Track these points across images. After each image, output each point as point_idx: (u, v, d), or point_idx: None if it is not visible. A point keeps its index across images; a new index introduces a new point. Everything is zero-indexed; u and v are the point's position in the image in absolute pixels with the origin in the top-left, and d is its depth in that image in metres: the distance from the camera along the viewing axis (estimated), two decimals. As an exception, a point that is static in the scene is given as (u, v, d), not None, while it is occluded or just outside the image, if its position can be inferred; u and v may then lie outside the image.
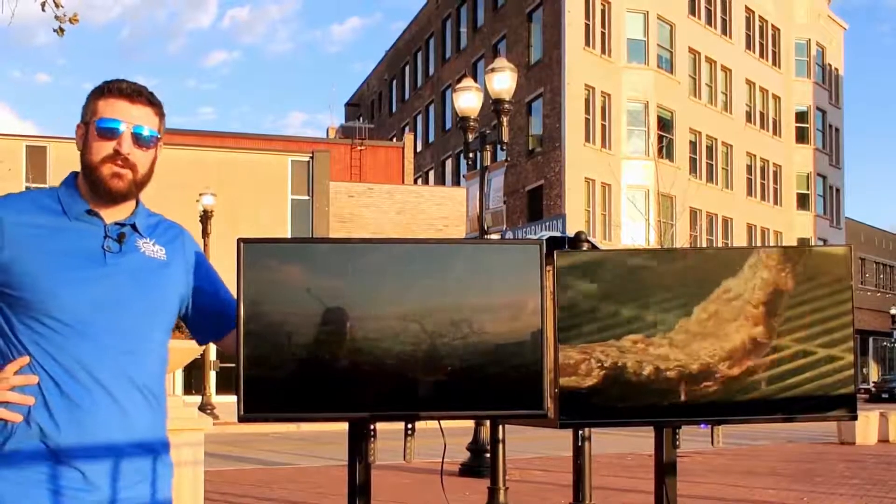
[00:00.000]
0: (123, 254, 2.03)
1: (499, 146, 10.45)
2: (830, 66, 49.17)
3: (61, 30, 7.68)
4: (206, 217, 22.06)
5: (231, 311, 2.22)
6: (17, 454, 1.88)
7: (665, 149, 35.43)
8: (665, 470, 2.46)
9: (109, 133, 2.01)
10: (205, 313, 2.23)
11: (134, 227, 2.08)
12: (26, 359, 1.91)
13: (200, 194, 22.43)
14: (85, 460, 1.90)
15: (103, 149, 2.01)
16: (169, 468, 2.10)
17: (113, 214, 2.05)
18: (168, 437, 2.12)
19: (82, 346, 1.93)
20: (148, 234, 2.11)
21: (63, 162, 25.44)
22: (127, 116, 2.02)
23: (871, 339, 55.69)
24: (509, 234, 25.84)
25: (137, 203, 2.11)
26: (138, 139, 2.02)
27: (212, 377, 23.65)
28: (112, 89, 2.05)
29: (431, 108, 46.43)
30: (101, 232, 2.02)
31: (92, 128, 2.02)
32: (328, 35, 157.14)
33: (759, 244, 40.26)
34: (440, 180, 44.04)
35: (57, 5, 7.58)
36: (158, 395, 2.08)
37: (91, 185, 2.03)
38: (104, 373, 1.94)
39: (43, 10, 7.52)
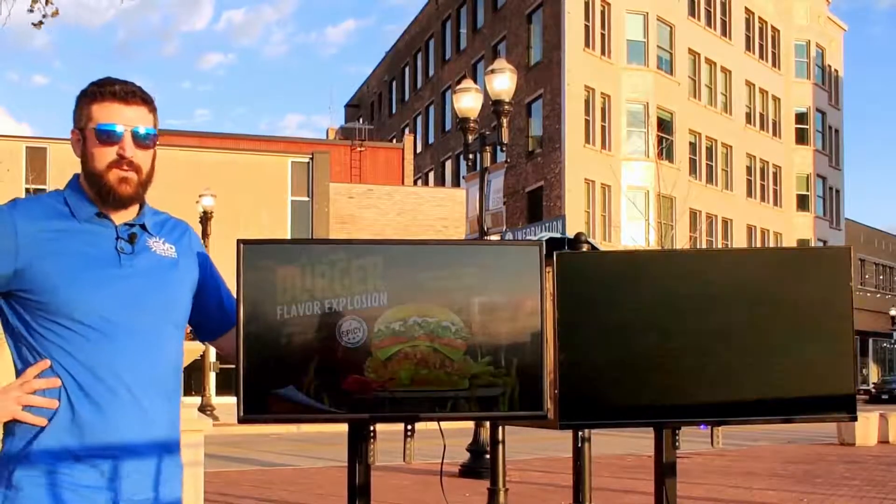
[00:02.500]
0: (137, 254, 2.04)
1: (498, 147, 10.45)
2: (830, 67, 49.18)
3: (40, 23, 7.68)
4: (205, 218, 22.06)
5: (232, 309, 2.24)
6: (41, 454, 1.90)
7: (665, 150, 35.42)
8: (665, 471, 2.46)
9: (110, 138, 2.00)
10: (208, 311, 2.24)
11: (143, 227, 2.09)
12: (47, 362, 1.93)
13: (200, 195, 22.43)
14: (108, 460, 1.93)
15: (106, 155, 2.01)
16: (181, 468, 2.13)
17: (122, 216, 2.07)
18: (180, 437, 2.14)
19: (105, 347, 1.94)
20: (157, 233, 2.12)
21: (63, 163, 25.46)
22: (123, 119, 2.01)
23: (870, 341, 55.68)
24: (509, 236, 25.85)
25: (143, 203, 2.12)
26: (138, 140, 2.03)
27: (212, 378, 23.65)
28: (105, 93, 2.03)
29: (431, 110, 46.42)
30: (112, 233, 2.04)
31: (90, 134, 2.02)
32: (323, 37, 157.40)
33: (758, 245, 40.28)
34: (440, 181, 44.03)
35: (48, 2, 7.58)
36: (175, 394, 2.11)
37: (98, 192, 2.03)
38: (127, 373, 1.96)
39: (31, 10, 7.52)
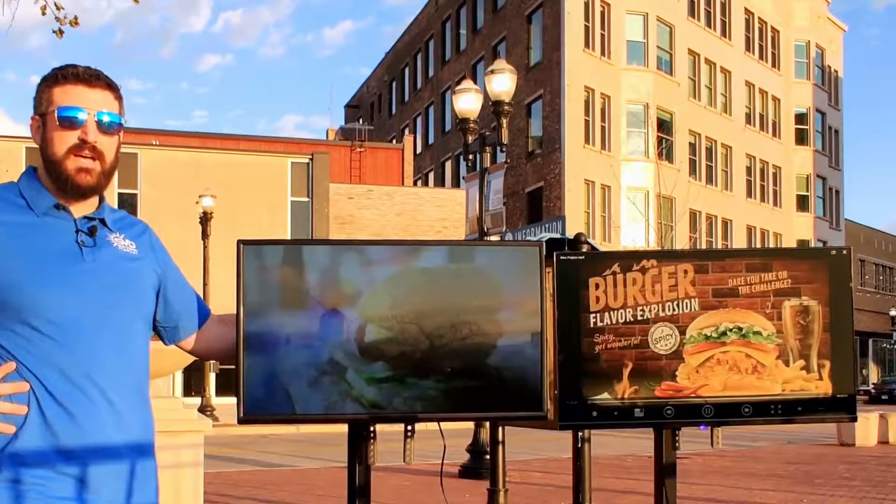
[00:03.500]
0: (98, 248, 1.93)
1: (498, 148, 10.44)
2: (830, 67, 49.18)
3: (60, 31, 7.67)
4: (205, 219, 22.07)
5: (197, 311, 2.18)
6: (12, 463, 1.79)
7: (665, 150, 35.42)
8: (665, 471, 2.46)
9: (71, 122, 1.89)
10: (172, 311, 2.14)
11: (103, 221, 1.99)
12: (12, 365, 1.81)
13: (200, 196, 22.44)
14: (83, 467, 1.83)
15: (67, 139, 1.89)
16: (156, 470, 2.03)
17: (80, 209, 1.95)
18: (154, 438, 2.04)
19: (73, 346, 1.83)
20: (116, 229, 2.01)
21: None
22: (88, 102, 1.90)
23: (870, 341, 55.66)
24: (509, 236, 25.84)
25: (102, 198, 2.02)
26: (102, 125, 1.92)
27: (211, 379, 23.64)
28: (67, 75, 1.92)
29: (431, 110, 46.42)
30: (71, 227, 1.92)
31: (51, 118, 1.90)
32: (320, 38, 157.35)
33: (758, 246, 40.29)
34: (440, 182, 44.03)
35: (59, 7, 7.59)
36: (147, 393, 2.01)
37: (56, 181, 1.91)
38: (98, 373, 1.86)
39: (43, 13, 7.52)
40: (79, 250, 1.90)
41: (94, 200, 1.99)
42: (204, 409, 20.29)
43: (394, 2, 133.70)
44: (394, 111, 52.48)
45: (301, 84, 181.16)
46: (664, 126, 36.65)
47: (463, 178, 28.37)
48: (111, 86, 1.97)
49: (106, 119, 1.93)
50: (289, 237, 27.30)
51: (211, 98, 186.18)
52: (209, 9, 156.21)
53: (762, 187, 43.81)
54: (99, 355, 1.87)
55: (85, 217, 1.95)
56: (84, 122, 1.90)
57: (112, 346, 1.89)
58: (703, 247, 36.85)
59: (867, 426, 15.63)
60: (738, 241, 40.83)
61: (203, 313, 2.22)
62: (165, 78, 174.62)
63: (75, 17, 7.67)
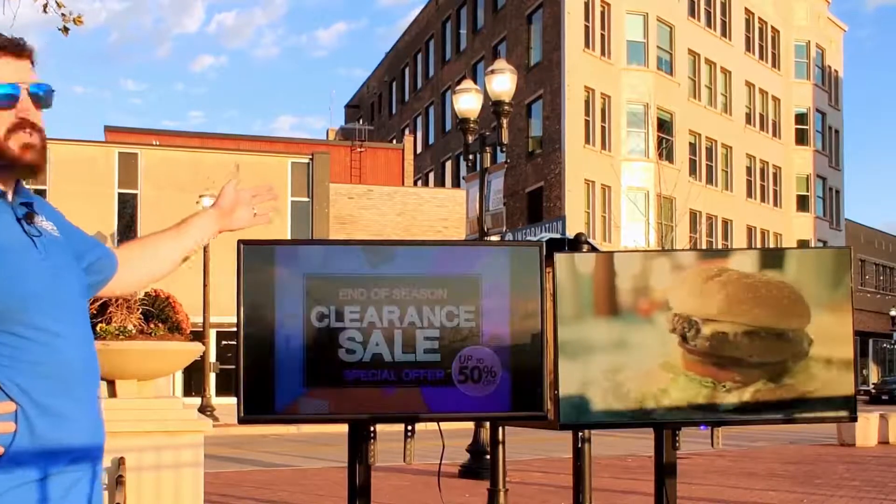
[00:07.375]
0: (42, 237, 1.74)
1: (498, 148, 10.45)
2: (830, 67, 49.19)
3: (66, 29, 7.70)
4: (206, 219, 22.05)
5: (109, 251, 1.98)
6: (4, 469, 1.65)
7: (665, 151, 35.41)
8: (665, 471, 2.46)
9: (9, 101, 1.70)
10: (95, 269, 1.92)
11: (31, 205, 1.79)
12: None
13: (200, 196, 22.45)
14: (67, 475, 1.72)
15: (4, 119, 1.70)
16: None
17: (10, 195, 1.76)
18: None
19: (57, 348, 1.69)
20: (40, 212, 1.82)
21: (62, 163, 25.39)
22: (20, 75, 1.71)
23: (870, 341, 55.64)
24: (509, 236, 25.85)
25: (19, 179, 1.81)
26: (37, 99, 1.74)
27: (212, 379, 23.66)
28: None
29: (431, 110, 46.42)
30: (11, 215, 1.72)
31: None
32: (314, 40, 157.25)
33: (758, 246, 40.29)
34: (440, 182, 44.02)
35: (59, 5, 7.61)
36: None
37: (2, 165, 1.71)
38: (80, 373, 1.73)
39: (45, 11, 7.54)
40: (31, 241, 1.71)
41: (12, 183, 1.77)
42: (204, 409, 20.30)
43: (387, 3, 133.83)
44: (394, 111, 52.48)
45: (296, 85, 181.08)
46: (664, 126, 36.65)
47: (463, 178, 28.38)
48: (33, 51, 1.78)
49: (41, 90, 1.75)
50: (289, 237, 27.32)
51: (207, 99, 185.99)
52: (203, 10, 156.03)
53: (762, 187, 43.81)
54: (76, 353, 1.74)
55: (21, 203, 1.77)
56: (20, 98, 1.72)
57: (82, 341, 1.77)
58: (704, 247, 36.86)
59: (867, 426, 15.62)
60: (739, 242, 40.81)
61: (110, 253, 2.01)
62: (161, 79, 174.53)
63: (79, 16, 7.70)
